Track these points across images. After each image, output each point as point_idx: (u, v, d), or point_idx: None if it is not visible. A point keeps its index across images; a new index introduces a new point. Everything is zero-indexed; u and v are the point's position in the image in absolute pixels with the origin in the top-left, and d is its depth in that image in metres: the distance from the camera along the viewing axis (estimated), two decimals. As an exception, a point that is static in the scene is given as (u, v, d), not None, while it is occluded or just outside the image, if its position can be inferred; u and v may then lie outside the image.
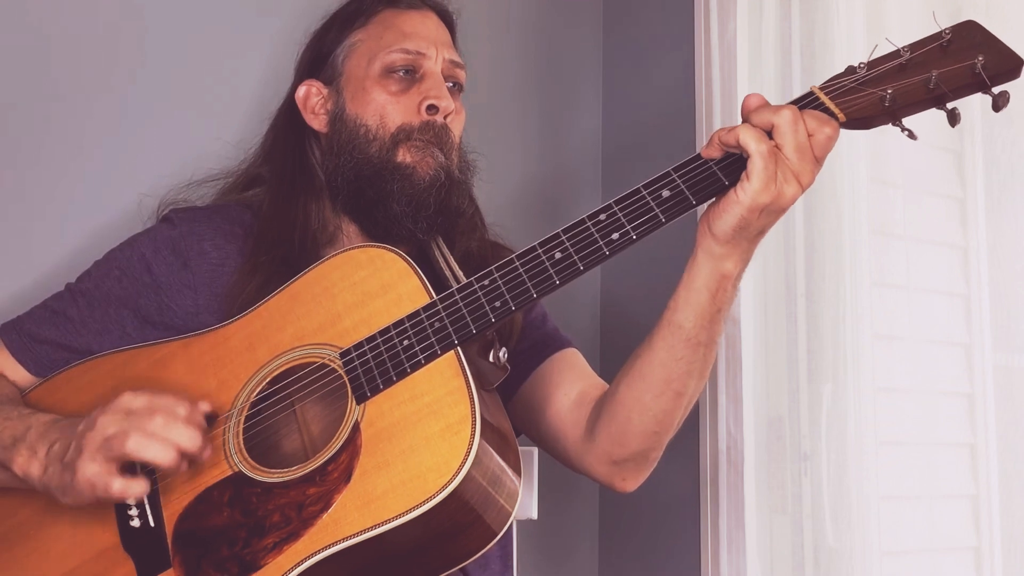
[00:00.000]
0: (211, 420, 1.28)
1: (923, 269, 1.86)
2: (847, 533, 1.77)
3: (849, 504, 1.78)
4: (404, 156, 1.48)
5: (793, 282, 1.87)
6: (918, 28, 1.78)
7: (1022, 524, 1.74)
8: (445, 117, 1.50)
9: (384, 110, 1.49)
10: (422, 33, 1.54)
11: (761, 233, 1.24)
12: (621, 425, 1.38)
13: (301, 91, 1.57)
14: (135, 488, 1.21)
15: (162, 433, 1.19)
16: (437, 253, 1.51)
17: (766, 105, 1.22)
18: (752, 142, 1.17)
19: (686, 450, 1.93)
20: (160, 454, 1.19)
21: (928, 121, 1.24)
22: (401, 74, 1.51)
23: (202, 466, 1.26)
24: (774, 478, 1.86)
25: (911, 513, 1.83)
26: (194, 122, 1.86)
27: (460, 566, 1.20)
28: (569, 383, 1.51)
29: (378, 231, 1.49)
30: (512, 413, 1.54)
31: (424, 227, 1.48)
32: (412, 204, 1.46)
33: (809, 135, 1.18)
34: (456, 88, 1.56)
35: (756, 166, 1.17)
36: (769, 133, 1.18)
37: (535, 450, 1.71)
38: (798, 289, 1.86)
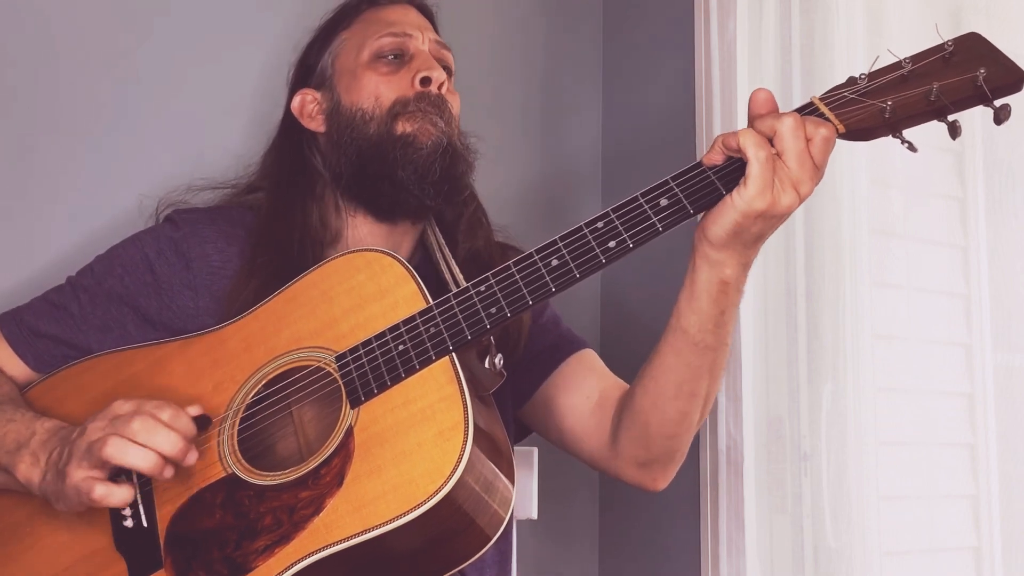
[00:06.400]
0: (205, 423, 1.28)
1: (923, 269, 1.86)
2: (847, 533, 1.77)
3: (849, 504, 1.77)
4: (403, 127, 1.48)
5: (793, 282, 1.86)
6: (918, 29, 1.78)
7: (1022, 524, 1.73)
8: (440, 88, 1.50)
9: (378, 91, 1.50)
10: (405, 20, 1.56)
11: (758, 239, 1.23)
12: (641, 430, 1.40)
13: (296, 101, 1.58)
14: (117, 495, 1.20)
15: (141, 438, 1.18)
16: (439, 256, 1.52)
17: (771, 112, 1.21)
18: (751, 147, 1.17)
19: (686, 450, 1.93)
20: (139, 459, 1.18)
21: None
22: (390, 58, 1.52)
23: (195, 468, 1.26)
24: (774, 478, 1.85)
25: (911, 513, 1.82)
26: (196, 123, 1.86)
27: (454, 571, 1.20)
28: (589, 385, 1.52)
29: (386, 204, 1.49)
30: (529, 416, 1.57)
31: (431, 193, 1.47)
32: (417, 171, 1.46)
33: (808, 139, 1.18)
34: (446, 72, 1.55)
35: (753, 171, 1.17)
36: (771, 140, 1.18)
37: (535, 450, 1.70)
38: (798, 289, 1.86)
